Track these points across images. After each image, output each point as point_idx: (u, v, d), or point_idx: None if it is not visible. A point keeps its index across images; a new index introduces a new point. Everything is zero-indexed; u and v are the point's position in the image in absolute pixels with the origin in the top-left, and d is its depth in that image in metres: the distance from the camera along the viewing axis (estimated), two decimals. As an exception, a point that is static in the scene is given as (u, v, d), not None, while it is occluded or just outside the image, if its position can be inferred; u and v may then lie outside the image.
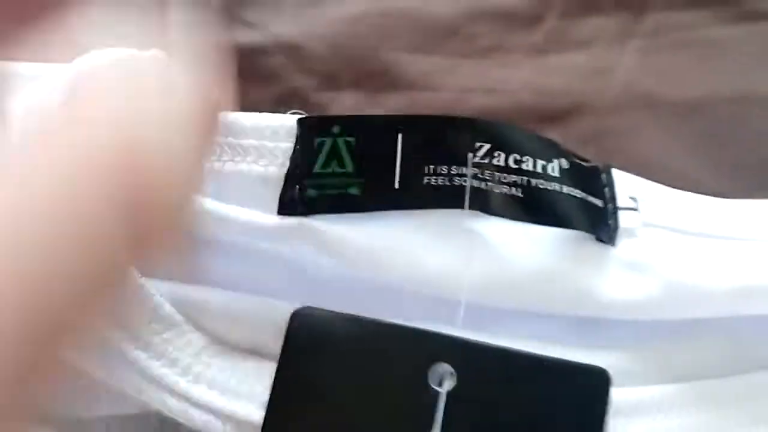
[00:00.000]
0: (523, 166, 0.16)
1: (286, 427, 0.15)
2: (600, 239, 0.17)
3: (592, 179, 0.17)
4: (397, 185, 0.16)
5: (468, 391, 0.15)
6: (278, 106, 0.20)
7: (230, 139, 0.17)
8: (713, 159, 0.24)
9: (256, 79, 0.26)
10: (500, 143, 0.16)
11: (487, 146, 0.16)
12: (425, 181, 0.16)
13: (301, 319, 0.16)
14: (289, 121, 0.16)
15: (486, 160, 0.16)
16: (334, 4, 0.28)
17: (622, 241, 0.17)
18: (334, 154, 0.16)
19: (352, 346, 0.16)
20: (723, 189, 0.20)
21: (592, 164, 0.18)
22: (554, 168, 0.16)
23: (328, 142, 0.16)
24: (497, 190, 0.16)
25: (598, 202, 0.17)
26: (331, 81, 0.27)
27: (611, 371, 0.17)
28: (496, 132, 0.16)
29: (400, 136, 0.16)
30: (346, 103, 0.26)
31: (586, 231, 0.17)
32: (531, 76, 0.27)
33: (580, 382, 0.15)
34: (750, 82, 0.24)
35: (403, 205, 0.16)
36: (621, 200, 0.18)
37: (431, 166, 0.16)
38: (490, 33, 0.28)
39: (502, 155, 0.16)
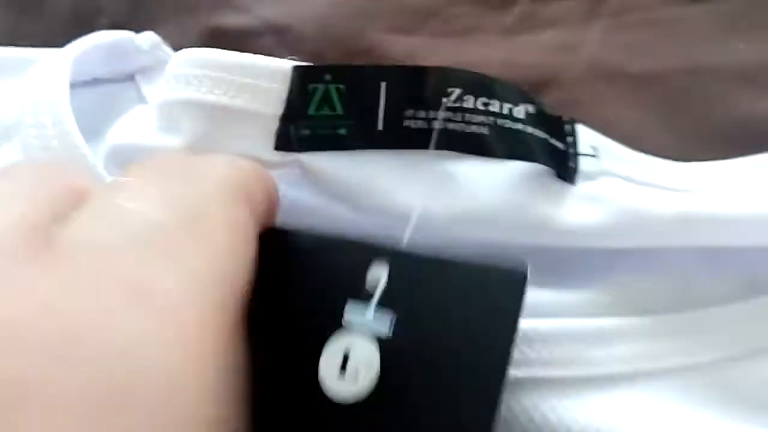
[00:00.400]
0: (491, 108, 0.18)
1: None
2: (560, 177, 0.19)
3: (556, 126, 0.19)
4: (380, 127, 0.18)
5: (395, 295, 0.16)
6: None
7: (225, 74, 0.18)
8: (669, 125, 0.26)
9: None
10: (470, 88, 0.18)
11: (458, 91, 0.18)
12: (405, 123, 0.18)
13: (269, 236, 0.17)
14: (284, 65, 0.18)
15: (457, 104, 0.18)
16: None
17: (581, 183, 0.19)
18: (325, 98, 0.18)
19: (307, 256, 0.17)
20: (679, 152, 0.22)
21: (557, 114, 0.20)
22: (520, 111, 0.18)
23: (321, 88, 0.18)
24: (467, 131, 0.18)
25: (561, 146, 0.19)
26: (319, 60, 0.29)
27: (577, 305, 0.19)
28: (466, 78, 0.18)
29: (383, 84, 0.18)
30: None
31: (548, 166, 0.19)
32: (505, 53, 0.29)
33: (497, 280, 0.16)
34: (702, 54, 0.27)
35: (384, 145, 0.18)
36: (582, 148, 0.20)
37: (410, 111, 0.18)
38: (468, 15, 0.30)
39: (472, 98, 0.18)
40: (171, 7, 0.29)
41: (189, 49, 0.19)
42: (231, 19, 0.29)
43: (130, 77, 0.25)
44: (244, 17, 0.30)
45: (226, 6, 0.30)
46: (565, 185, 0.19)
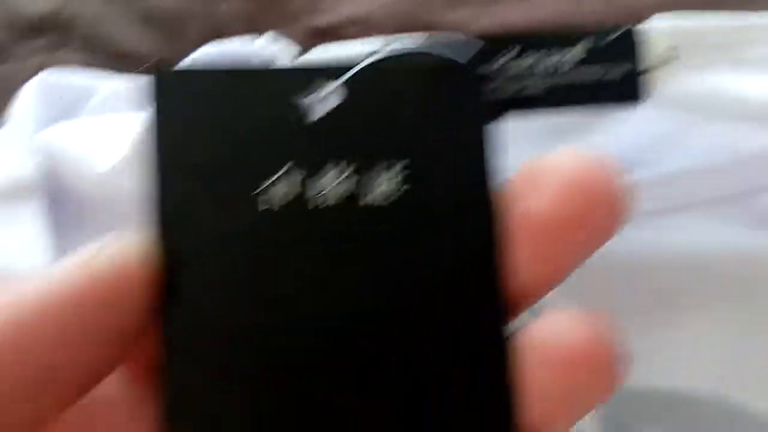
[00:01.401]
0: (549, 60, 0.19)
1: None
2: (627, 100, 0.20)
3: (617, 47, 0.20)
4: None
5: (348, 110, 0.15)
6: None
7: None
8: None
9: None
10: (527, 46, 0.19)
11: (516, 49, 0.19)
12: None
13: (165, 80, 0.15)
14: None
15: (518, 62, 0.19)
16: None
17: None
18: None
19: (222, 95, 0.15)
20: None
21: (617, 32, 0.20)
22: (576, 53, 0.19)
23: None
24: (532, 86, 0.19)
25: (627, 67, 0.19)
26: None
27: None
28: (522, 39, 0.19)
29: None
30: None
31: (613, 106, 0.20)
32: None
33: (449, 78, 0.15)
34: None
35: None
36: (654, 55, 0.20)
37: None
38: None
39: (530, 55, 0.19)
40: (279, 17, 0.37)
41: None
42: (323, 19, 0.37)
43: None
44: (331, 16, 0.38)
45: (316, 10, 0.38)
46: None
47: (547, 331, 0.14)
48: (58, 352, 0.13)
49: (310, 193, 0.14)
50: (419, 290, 0.14)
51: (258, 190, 0.14)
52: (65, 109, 0.27)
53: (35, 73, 0.28)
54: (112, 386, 0.14)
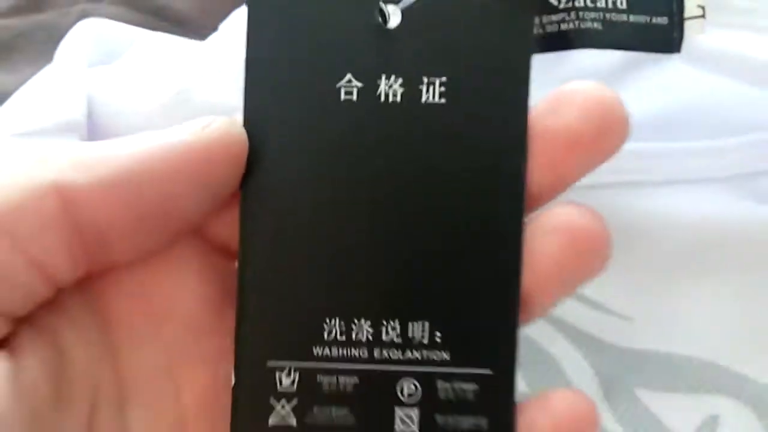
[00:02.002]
0: (599, 4, 0.22)
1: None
2: (664, 51, 0.22)
3: (657, 2, 0.22)
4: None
5: (411, 27, 0.17)
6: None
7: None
8: None
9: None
10: None
11: None
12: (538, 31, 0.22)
13: None
14: None
15: (570, 4, 0.22)
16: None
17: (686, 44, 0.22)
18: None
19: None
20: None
21: None
22: (623, 2, 0.22)
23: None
24: (583, 26, 0.22)
25: (664, 20, 0.22)
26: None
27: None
28: None
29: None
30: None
31: (651, 51, 0.22)
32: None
33: (506, 5, 0.17)
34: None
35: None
36: (689, 11, 0.22)
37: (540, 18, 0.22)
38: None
39: None
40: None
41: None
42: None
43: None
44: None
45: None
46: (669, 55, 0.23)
47: (558, 212, 0.17)
48: (172, 189, 0.16)
49: (379, 90, 0.17)
50: (458, 175, 0.17)
51: (341, 83, 0.17)
52: (107, 55, 0.28)
53: (75, 22, 0.28)
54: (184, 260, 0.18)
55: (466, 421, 0.17)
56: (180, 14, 0.37)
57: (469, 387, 0.17)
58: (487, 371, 0.18)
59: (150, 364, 0.18)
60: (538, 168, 0.17)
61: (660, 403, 0.24)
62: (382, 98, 0.17)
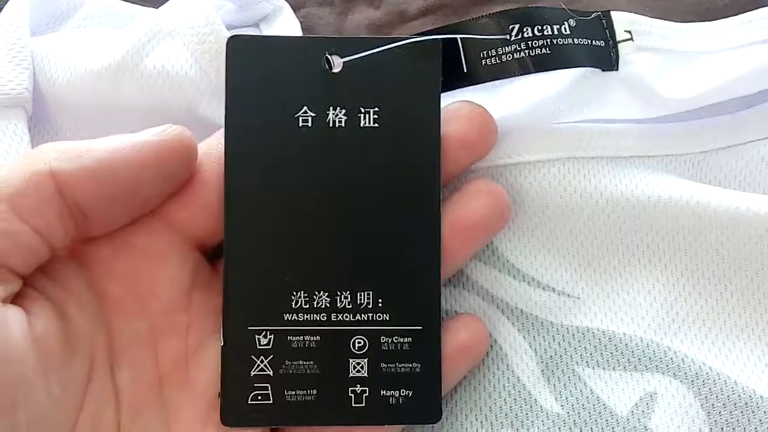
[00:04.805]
0: (545, 32, 0.24)
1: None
2: (605, 70, 0.25)
3: (594, 28, 0.25)
4: (465, 70, 0.24)
5: (350, 71, 0.23)
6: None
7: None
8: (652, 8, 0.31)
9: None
10: (524, 21, 0.23)
11: (516, 26, 0.23)
12: (482, 63, 0.24)
13: (236, 43, 0.23)
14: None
15: (519, 36, 0.24)
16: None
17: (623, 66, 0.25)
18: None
19: (273, 55, 0.23)
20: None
21: (593, 16, 0.25)
22: (566, 27, 0.24)
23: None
24: (532, 53, 0.24)
25: (601, 43, 0.25)
26: None
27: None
28: (519, 14, 0.24)
29: (459, 38, 0.23)
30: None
31: (595, 67, 0.25)
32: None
33: (419, 53, 0.23)
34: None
35: (471, 82, 0.24)
36: (619, 35, 0.25)
37: (484, 52, 0.24)
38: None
39: (529, 29, 0.23)
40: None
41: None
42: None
43: (255, 24, 0.30)
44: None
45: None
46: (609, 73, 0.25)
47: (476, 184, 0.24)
48: (139, 176, 0.21)
49: (328, 118, 0.23)
50: (390, 175, 0.23)
51: (299, 113, 0.23)
52: (52, 20, 0.29)
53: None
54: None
55: (404, 367, 0.23)
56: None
57: (405, 340, 0.23)
58: (418, 327, 0.23)
59: (136, 334, 0.22)
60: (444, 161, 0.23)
61: (599, 381, 0.24)
62: (330, 124, 0.23)
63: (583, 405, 0.24)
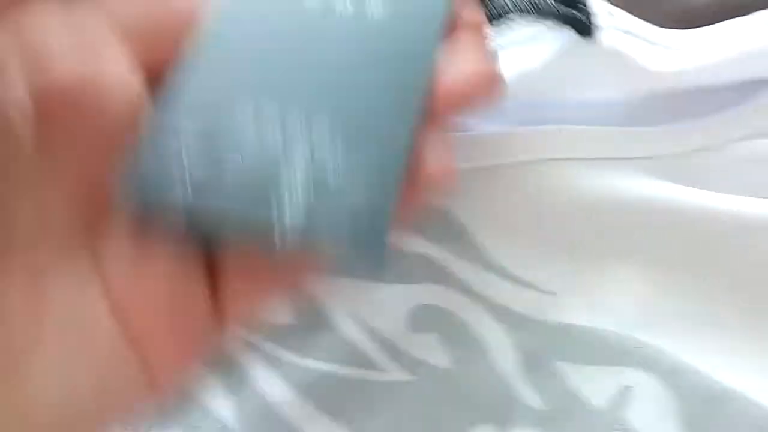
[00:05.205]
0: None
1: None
2: (583, 36, 0.25)
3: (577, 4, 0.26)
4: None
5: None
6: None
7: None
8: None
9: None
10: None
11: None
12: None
13: None
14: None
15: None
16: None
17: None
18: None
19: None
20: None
21: None
22: None
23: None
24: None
25: (581, 16, 0.25)
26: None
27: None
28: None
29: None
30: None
31: (576, 31, 0.25)
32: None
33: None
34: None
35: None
36: (599, 12, 0.26)
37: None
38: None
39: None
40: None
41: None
42: None
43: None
44: None
45: None
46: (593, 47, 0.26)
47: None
48: None
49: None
50: (384, 48, 0.21)
51: None
52: None
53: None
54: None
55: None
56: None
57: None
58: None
59: None
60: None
61: (578, 376, 0.25)
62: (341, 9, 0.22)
63: (562, 399, 0.25)
